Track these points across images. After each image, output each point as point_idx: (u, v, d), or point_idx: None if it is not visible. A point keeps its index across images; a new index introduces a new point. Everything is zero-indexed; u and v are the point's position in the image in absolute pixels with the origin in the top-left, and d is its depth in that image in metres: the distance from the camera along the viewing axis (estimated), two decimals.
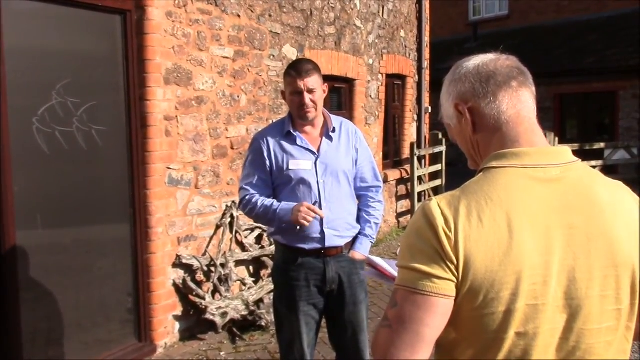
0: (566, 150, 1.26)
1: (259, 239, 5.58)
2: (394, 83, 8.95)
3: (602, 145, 10.02)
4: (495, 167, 1.22)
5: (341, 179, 2.97)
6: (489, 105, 1.27)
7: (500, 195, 1.16)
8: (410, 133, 9.40)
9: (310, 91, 2.86)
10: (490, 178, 1.20)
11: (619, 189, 1.27)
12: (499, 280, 1.12)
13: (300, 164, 2.90)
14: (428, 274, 1.14)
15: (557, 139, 9.41)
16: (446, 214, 1.16)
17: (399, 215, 9.06)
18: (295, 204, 2.82)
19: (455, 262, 1.13)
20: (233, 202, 5.11)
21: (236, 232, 5.24)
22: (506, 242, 1.12)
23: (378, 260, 1.85)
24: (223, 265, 4.96)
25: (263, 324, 4.88)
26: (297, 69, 2.88)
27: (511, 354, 1.14)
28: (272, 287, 3.44)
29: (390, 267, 1.80)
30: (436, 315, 1.13)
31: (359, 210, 3.12)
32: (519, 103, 1.27)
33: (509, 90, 1.27)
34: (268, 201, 2.91)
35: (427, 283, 1.13)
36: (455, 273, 1.13)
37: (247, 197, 2.96)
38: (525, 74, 1.31)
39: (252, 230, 5.47)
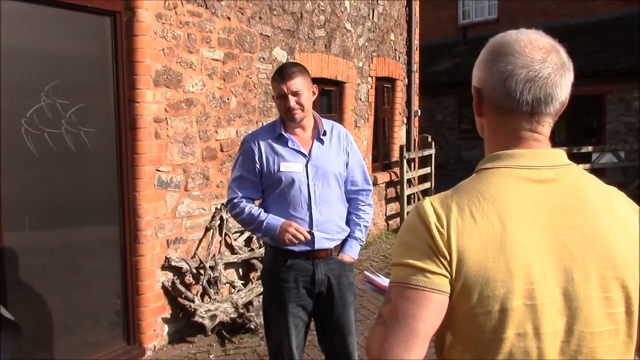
0: (561, 153, 1.25)
1: (248, 241, 5.58)
2: (384, 86, 8.98)
3: (589, 148, 10.09)
4: (490, 167, 1.22)
5: (332, 182, 2.99)
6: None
7: (493, 193, 1.16)
8: (399, 136, 9.43)
9: (295, 94, 2.88)
10: (484, 177, 1.21)
11: (614, 194, 1.26)
12: (493, 277, 1.11)
13: (291, 167, 2.92)
14: (421, 269, 1.13)
15: None
16: (438, 211, 1.16)
17: (389, 218, 9.08)
18: (283, 220, 2.86)
19: (448, 257, 1.12)
20: (222, 204, 5.10)
21: (225, 234, 5.23)
22: (499, 239, 1.12)
23: (374, 276, 1.88)
24: (212, 268, 4.96)
25: (252, 326, 4.87)
26: (280, 74, 2.93)
27: (511, 355, 1.13)
28: (261, 289, 3.45)
29: (386, 283, 1.82)
30: (430, 311, 1.12)
31: (349, 213, 3.14)
32: None
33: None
34: (255, 209, 2.94)
35: (421, 278, 1.13)
36: (449, 268, 1.13)
37: (235, 201, 2.99)
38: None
39: (242, 232, 5.46)
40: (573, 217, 1.17)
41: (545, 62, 1.20)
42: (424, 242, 1.15)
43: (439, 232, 1.14)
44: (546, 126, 1.25)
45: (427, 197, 1.22)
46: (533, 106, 1.21)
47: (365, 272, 2.02)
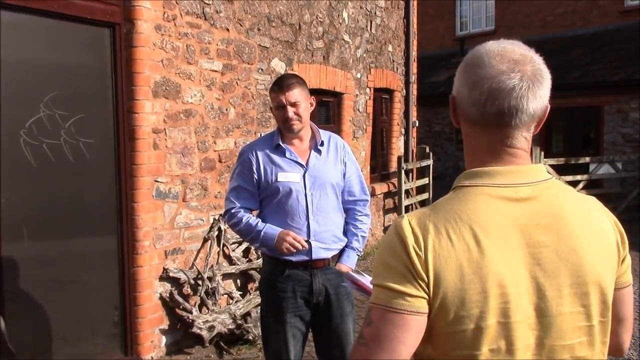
0: (539, 168, 1.26)
1: (246, 252, 5.57)
2: (382, 97, 9.01)
3: (587, 159, 10.11)
4: (467, 185, 1.23)
5: (329, 192, 3.00)
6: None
7: (470, 214, 1.18)
8: (397, 147, 9.45)
9: (293, 104, 2.91)
10: (461, 197, 1.22)
11: (591, 206, 1.28)
12: (468, 298, 1.13)
13: (288, 177, 2.93)
14: (401, 292, 1.15)
15: (542, 153, 9.49)
16: (417, 232, 1.18)
17: (387, 229, 9.06)
18: (280, 229, 2.87)
19: (426, 279, 1.14)
20: (221, 215, 5.10)
21: (224, 245, 5.23)
22: (475, 260, 1.14)
23: (356, 274, 1.91)
24: (210, 279, 4.95)
25: (250, 337, 4.86)
26: (279, 84, 2.96)
27: None
28: (259, 300, 3.45)
29: (368, 282, 1.85)
30: (410, 333, 1.15)
31: (347, 223, 3.15)
32: None
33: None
34: (253, 219, 2.96)
35: (401, 301, 1.15)
36: (427, 290, 1.15)
37: (232, 211, 3.00)
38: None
39: (240, 243, 5.46)
40: (548, 235, 1.18)
41: (511, 73, 1.19)
42: (403, 265, 1.16)
43: (417, 254, 1.16)
44: (520, 139, 1.24)
45: (405, 215, 1.23)
46: (497, 118, 1.21)
47: (349, 271, 2.06)
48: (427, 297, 1.15)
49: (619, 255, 1.27)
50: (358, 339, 1.21)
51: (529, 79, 1.19)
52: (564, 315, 1.17)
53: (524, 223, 1.18)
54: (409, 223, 1.20)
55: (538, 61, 1.23)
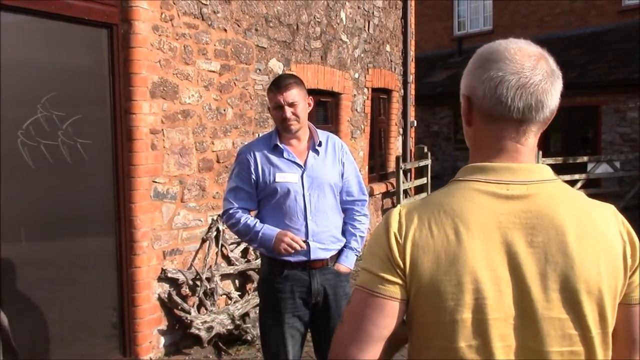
0: (541, 168, 1.23)
1: (244, 252, 5.57)
2: (380, 97, 9.01)
3: (585, 159, 10.12)
4: (460, 180, 1.24)
5: (327, 192, 3.00)
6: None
7: (454, 207, 1.19)
8: (395, 147, 9.45)
9: (291, 105, 2.91)
10: (452, 190, 1.23)
11: (597, 212, 1.22)
12: (444, 289, 1.14)
13: (286, 177, 2.93)
14: (380, 277, 1.19)
15: (541, 152, 9.50)
16: (402, 221, 1.21)
17: None
18: (278, 230, 2.87)
19: (402, 266, 1.18)
20: (219, 215, 5.09)
21: (222, 245, 5.22)
22: (453, 252, 1.15)
23: None
24: (209, 279, 4.94)
25: (249, 338, 4.86)
26: (277, 85, 2.96)
27: None
28: (257, 301, 3.45)
29: None
30: (384, 316, 1.19)
31: (345, 223, 3.15)
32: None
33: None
34: (251, 220, 2.96)
35: (379, 285, 1.19)
36: (403, 277, 1.18)
37: (230, 211, 3.01)
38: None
39: (238, 244, 5.45)
40: (537, 236, 1.16)
41: (535, 69, 1.19)
42: (383, 251, 1.21)
43: (397, 241, 1.19)
44: (531, 136, 1.23)
45: (399, 205, 1.27)
46: (524, 113, 1.19)
47: None
48: (403, 283, 1.18)
49: (626, 267, 1.19)
50: (340, 317, 1.28)
51: (549, 75, 1.20)
52: (552, 320, 1.14)
53: (511, 221, 1.16)
54: (399, 212, 1.24)
55: (551, 59, 1.25)
